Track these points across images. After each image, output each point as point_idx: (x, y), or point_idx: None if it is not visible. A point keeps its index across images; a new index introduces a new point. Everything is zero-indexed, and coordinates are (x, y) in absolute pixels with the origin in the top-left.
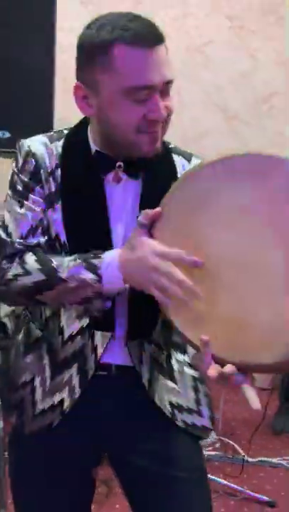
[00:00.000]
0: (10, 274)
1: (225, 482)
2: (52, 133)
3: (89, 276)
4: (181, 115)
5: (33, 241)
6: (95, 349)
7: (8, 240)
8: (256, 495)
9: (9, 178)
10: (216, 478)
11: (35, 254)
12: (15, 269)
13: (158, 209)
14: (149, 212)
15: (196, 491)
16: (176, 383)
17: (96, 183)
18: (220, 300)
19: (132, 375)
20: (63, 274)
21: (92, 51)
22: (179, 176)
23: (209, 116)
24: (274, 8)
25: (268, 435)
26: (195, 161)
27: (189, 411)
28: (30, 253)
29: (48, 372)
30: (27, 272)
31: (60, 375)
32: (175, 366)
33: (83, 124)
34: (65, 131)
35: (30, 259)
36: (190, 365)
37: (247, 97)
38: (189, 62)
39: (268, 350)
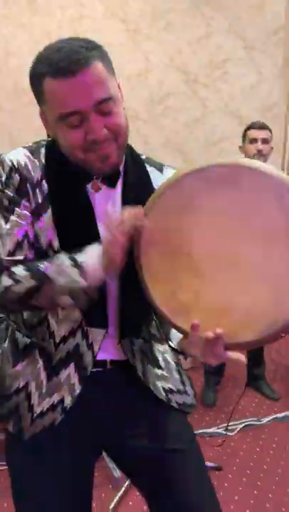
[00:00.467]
0: (1, 287)
1: None
2: (31, 145)
3: (74, 272)
4: None
5: (20, 257)
6: (90, 346)
7: None
8: None
9: None
10: None
11: (23, 266)
12: (5, 281)
13: (141, 210)
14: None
15: (195, 459)
16: (163, 370)
17: (81, 192)
18: (204, 290)
19: (125, 369)
20: (52, 274)
21: (33, 85)
22: (153, 184)
23: None
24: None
25: (201, 409)
26: (167, 170)
27: (179, 392)
28: (18, 266)
29: (43, 376)
30: (17, 282)
31: (56, 376)
32: (159, 356)
33: (52, 142)
34: (43, 143)
35: (18, 269)
36: (171, 353)
37: (143, 97)
38: None
39: (247, 330)
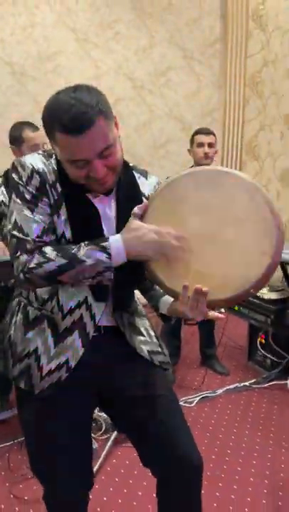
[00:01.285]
0: (33, 263)
1: None
2: (44, 153)
3: (102, 255)
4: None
5: (46, 239)
6: (93, 316)
7: (28, 238)
8: None
9: (11, 189)
10: None
11: (52, 247)
12: (36, 259)
13: (146, 202)
14: (141, 205)
15: (175, 404)
16: (144, 337)
17: (85, 198)
18: (192, 262)
19: (117, 336)
20: (82, 257)
21: (47, 129)
22: (140, 187)
23: None
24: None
25: None
26: (151, 177)
27: (158, 353)
28: (47, 246)
29: (50, 341)
30: (49, 259)
31: (62, 341)
32: (141, 326)
33: None
34: (53, 152)
35: (48, 250)
36: (149, 325)
37: None
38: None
39: (226, 289)
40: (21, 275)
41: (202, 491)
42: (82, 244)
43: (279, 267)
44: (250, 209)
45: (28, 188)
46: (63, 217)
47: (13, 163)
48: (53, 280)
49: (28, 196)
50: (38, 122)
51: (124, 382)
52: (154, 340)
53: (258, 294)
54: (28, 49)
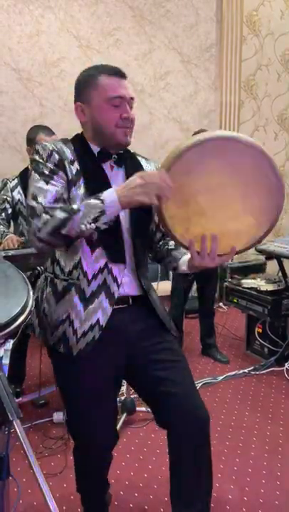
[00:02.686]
0: (41, 223)
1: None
2: (62, 139)
3: (95, 201)
4: (44, 119)
5: (57, 206)
6: (115, 279)
7: (40, 205)
8: None
9: (32, 168)
10: (142, 408)
11: (59, 207)
12: (44, 219)
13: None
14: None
15: (188, 368)
16: (156, 303)
17: (101, 170)
18: (207, 224)
19: (141, 304)
20: (78, 207)
21: (86, 81)
22: (143, 167)
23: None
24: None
25: None
26: (150, 161)
27: (169, 321)
28: (58, 209)
29: (80, 306)
30: (53, 216)
31: (91, 304)
32: (152, 293)
33: (77, 135)
34: (68, 138)
35: (55, 209)
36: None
37: None
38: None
39: (237, 244)
40: (34, 239)
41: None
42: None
43: (275, 260)
44: (256, 173)
45: (47, 164)
46: (81, 189)
47: (35, 148)
48: (58, 235)
49: (46, 171)
50: (44, 124)
51: (148, 346)
52: (164, 311)
53: (256, 286)
54: (34, 56)
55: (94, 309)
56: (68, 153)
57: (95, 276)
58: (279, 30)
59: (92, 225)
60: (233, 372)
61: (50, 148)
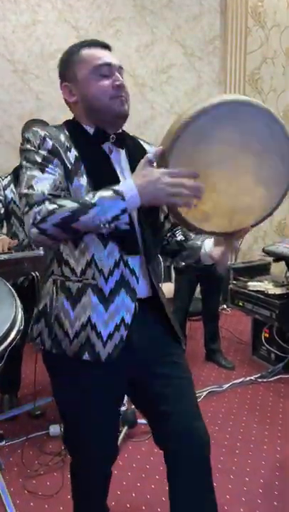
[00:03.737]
0: (44, 212)
1: None
2: (54, 125)
3: (116, 197)
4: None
5: (56, 193)
6: (133, 272)
7: (38, 192)
8: None
9: (22, 158)
10: (143, 421)
11: (62, 197)
12: (49, 207)
13: (159, 148)
14: (155, 151)
15: (192, 385)
16: (168, 311)
17: (102, 153)
18: (219, 200)
19: (153, 307)
20: (93, 200)
21: (69, 59)
22: (145, 149)
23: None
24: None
25: None
26: (151, 145)
27: (180, 333)
28: (58, 197)
29: (100, 307)
30: (61, 206)
31: (112, 303)
32: (162, 296)
33: (68, 120)
34: (60, 124)
35: (60, 200)
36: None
37: None
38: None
39: (250, 218)
40: (33, 228)
41: (214, 484)
42: (93, 191)
43: (284, 263)
44: (268, 140)
45: (39, 151)
46: (84, 178)
47: (24, 136)
48: (68, 228)
49: (38, 159)
50: (41, 118)
51: (153, 356)
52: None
53: (263, 289)
54: (31, 47)
55: (116, 308)
56: (63, 139)
57: (111, 272)
58: (285, 22)
59: (112, 224)
60: (239, 380)
61: (42, 134)
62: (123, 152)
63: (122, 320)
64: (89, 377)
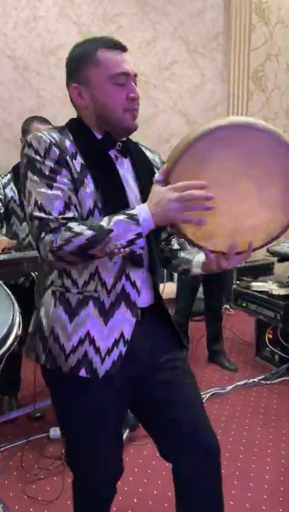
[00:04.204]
0: (61, 240)
1: None
2: (55, 128)
3: (130, 222)
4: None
5: (70, 215)
6: (134, 284)
7: (51, 217)
8: None
9: (26, 167)
10: None
11: (78, 222)
12: (63, 236)
13: (164, 167)
14: (161, 170)
15: (198, 390)
16: (171, 317)
17: (108, 160)
18: (222, 221)
19: (156, 314)
20: (109, 226)
21: (82, 58)
22: (148, 157)
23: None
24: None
25: None
26: (155, 152)
27: (183, 337)
28: (73, 222)
29: (100, 321)
30: (77, 234)
31: (112, 316)
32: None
33: (74, 120)
34: (62, 126)
35: (74, 225)
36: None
37: None
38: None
39: (254, 240)
40: (50, 255)
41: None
42: (108, 216)
43: (287, 263)
44: (273, 162)
45: (46, 162)
46: (90, 187)
47: (27, 140)
48: (86, 255)
49: (46, 171)
50: (41, 115)
51: (156, 363)
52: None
53: (267, 290)
54: (31, 43)
55: (116, 322)
56: (68, 144)
57: (114, 285)
58: None
59: (127, 249)
60: (243, 382)
61: (48, 141)
62: (127, 160)
63: (122, 335)
64: (87, 394)
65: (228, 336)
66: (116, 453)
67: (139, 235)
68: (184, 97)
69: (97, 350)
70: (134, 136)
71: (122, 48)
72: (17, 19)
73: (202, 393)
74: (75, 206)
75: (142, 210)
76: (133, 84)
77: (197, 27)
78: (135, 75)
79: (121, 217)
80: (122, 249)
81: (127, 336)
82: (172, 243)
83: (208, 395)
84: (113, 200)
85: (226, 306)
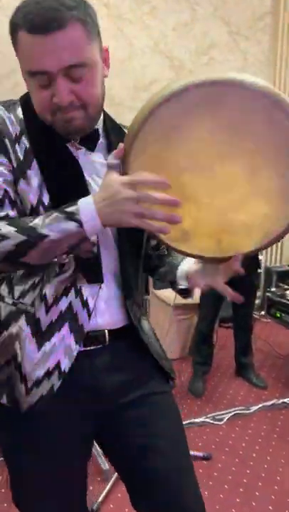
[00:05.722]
0: None
1: None
2: (4, 102)
3: (70, 224)
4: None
5: (1, 214)
6: (85, 304)
7: None
8: (191, 452)
9: None
10: None
11: (7, 221)
12: None
13: (121, 146)
14: (116, 151)
15: (181, 431)
16: (150, 338)
17: (65, 148)
18: (201, 216)
19: (124, 336)
20: (43, 230)
21: (11, 32)
22: None
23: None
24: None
25: (189, 399)
26: None
27: (165, 358)
28: (2, 222)
29: (32, 343)
30: (4, 237)
31: (48, 340)
32: (144, 323)
33: (29, 97)
34: (16, 99)
35: (3, 226)
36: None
37: (127, 85)
38: None
39: (246, 242)
40: None
41: None
42: (45, 214)
43: None
44: (270, 135)
45: None
46: (34, 179)
47: None
48: (17, 263)
49: None
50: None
51: (128, 400)
52: (156, 344)
53: None
54: None
55: (52, 348)
56: (11, 123)
57: (56, 301)
58: None
59: (70, 254)
60: (271, 402)
61: None
62: (99, 150)
63: (58, 365)
64: (18, 426)
65: (261, 348)
66: (74, 503)
67: (82, 240)
68: None
69: (23, 378)
70: None
71: (48, 29)
72: None
73: (222, 413)
74: (13, 202)
75: (85, 207)
76: (60, 84)
77: (241, 6)
78: (71, 67)
79: (59, 216)
80: (63, 256)
81: (64, 367)
82: (162, 247)
83: (229, 415)
84: (65, 196)
85: (261, 313)
